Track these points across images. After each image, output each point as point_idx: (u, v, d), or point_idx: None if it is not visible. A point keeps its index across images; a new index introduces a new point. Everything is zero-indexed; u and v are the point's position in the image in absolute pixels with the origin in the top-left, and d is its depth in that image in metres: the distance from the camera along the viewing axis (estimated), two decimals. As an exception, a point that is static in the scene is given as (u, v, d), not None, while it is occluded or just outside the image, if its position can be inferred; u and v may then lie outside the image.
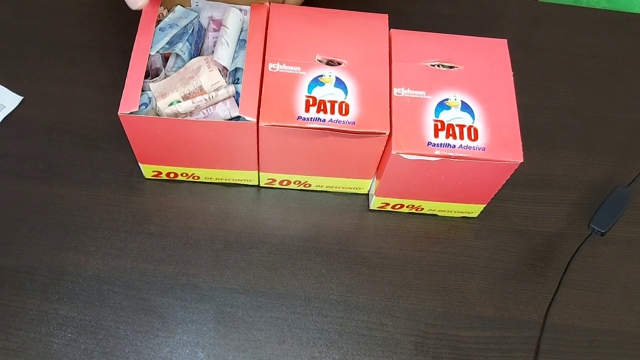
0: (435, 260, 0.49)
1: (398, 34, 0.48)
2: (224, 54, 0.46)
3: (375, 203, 0.50)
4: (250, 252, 0.48)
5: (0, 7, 0.59)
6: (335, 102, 0.44)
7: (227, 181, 0.51)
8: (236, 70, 0.47)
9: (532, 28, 0.62)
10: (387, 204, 0.50)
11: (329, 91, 0.44)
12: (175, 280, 0.47)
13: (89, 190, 0.50)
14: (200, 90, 0.44)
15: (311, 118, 0.43)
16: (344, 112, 0.43)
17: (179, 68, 0.47)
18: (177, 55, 0.47)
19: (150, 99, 0.45)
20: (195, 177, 0.50)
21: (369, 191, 0.51)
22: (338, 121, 0.43)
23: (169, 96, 0.44)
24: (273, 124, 0.43)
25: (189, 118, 0.45)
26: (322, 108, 0.43)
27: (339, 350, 0.45)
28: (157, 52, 0.46)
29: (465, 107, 0.44)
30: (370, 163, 0.47)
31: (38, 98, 0.54)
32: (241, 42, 0.47)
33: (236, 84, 0.46)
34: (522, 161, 0.43)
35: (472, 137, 0.43)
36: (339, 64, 0.45)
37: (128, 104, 0.43)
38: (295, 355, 0.45)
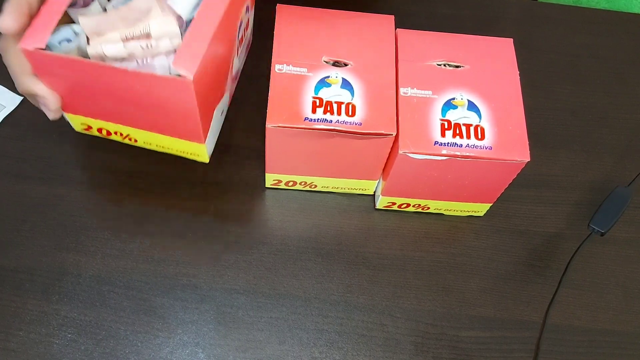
0: (436, 261, 0.49)
1: (404, 34, 0.48)
2: (183, 0, 0.38)
3: (381, 202, 0.50)
4: (251, 253, 0.48)
5: (0, 7, 0.58)
6: (342, 103, 0.44)
7: (170, 152, 0.46)
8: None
9: (532, 28, 0.62)
10: (394, 204, 0.50)
11: (336, 92, 0.44)
12: (175, 280, 0.47)
13: (89, 191, 0.50)
14: (147, 37, 0.36)
15: (318, 119, 0.43)
16: (350, 113, 0.43)
17: (122, 3, 0.38)
18: None
19: (77, 34, 0.37)
20: (132, 140, 0.44)
21: (374, 192, 0.51)
22: (345, 122, 0.43)
23: (107, 36, 0.36)
24: (280, 125, 0.43)
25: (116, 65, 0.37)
26: (328, 109, 0.43)
27: (339, 350, 0.45)
28: None
29: (471, 107, 0.44)
30: (377, 164, 0.47)
31: (38, 98, 0.54)
32: None
33: None
34: (529, 160, 0.43)
35: (479, 137, 0.43)
36: (346, 65, 0.45)
37: (34, 37, 0.35)
38: (295, 356, 0.45)
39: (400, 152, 0.43)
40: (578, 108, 0.58)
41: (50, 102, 0.38)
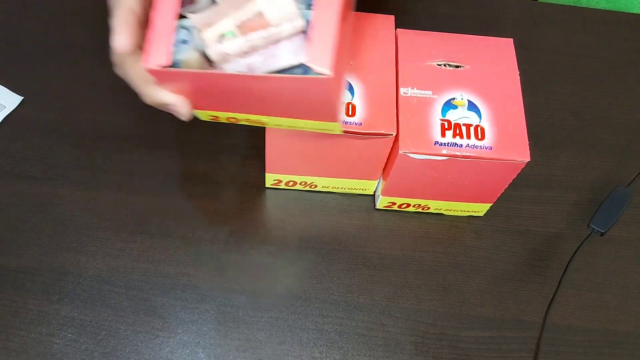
0: (436, 260, 0.49)
1: (404, 34, 0.48)
2: None
3: (381, 202, 0.50)
4: (251, 253, 0.48)
5: (0, 7, 0.59)
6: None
7: (301, 128, 0.41)
8: None
9: (532, 28, 0.62)
10: (394, 204, 0.50)
11: None
12: (175, 280, 0.47)
13: (89, 191, 0.50)
14: (261, 18, 0.32)
15: None
16: (350, 113, 0.43)
17: None
18: None
19: (188, 30, 0.34)
20: (261, 123, 0.40)
21: (374, 192, 0.51)
22: (345, 122, 0.43)
23: (218, 25, 0.32)
24: None
25: (241, 61, 0.34)
26: None
27: (339, 350, 0.45)
28: None
29: (471, 107, 0.44)
30: (377, 164, 0.47)
31: (38, 98, 0.54)
32: None
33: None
34: (529, 160, 0.43)
35: (479, 137, 0.43)
36: None
37: (155, 53, 0.32)
38: (295, 356, 0.45)
39: (400, 152, 0.43)
40: (578, 108, 0.58)
41: (181, 108, 0.36)
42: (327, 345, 0.46)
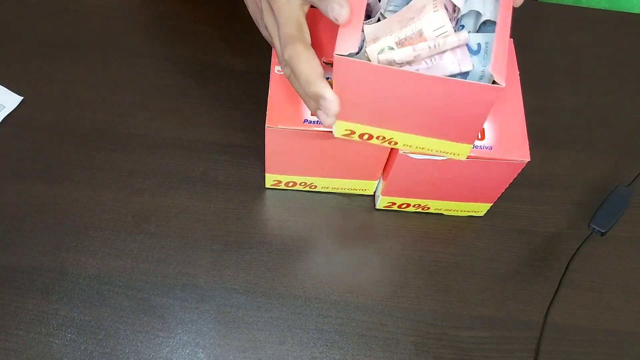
0: (436, 260, 0.49)
1: None
2: None
3: (381, 202, 0.50)
4: (251, 253, 0.48)
5: (0, 7, 0.59)
6: None
7: (427, 152, 0.43)
8: (464, 15, 0.39)
9: (532, 28, 0.62)
10: (394, 203, 0.50)
11: None
12: (175, 280, 0.47)
13: (89, 190, 0.50)
14: (420, 36, 0.36)
15: (317, 121, 0.43)
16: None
17: (397, 7, 0.38)
18: None
19: (362, 43, 0.38)
20: (392, 142, 0.43)
21: (374, 192, 0.51)
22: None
23: (381, 41, 0.36)
24: (279, 126, 0.43)
25: (406, 68, 0.37)
26: None
27: (339, 350, 0.45)
28: None
29: None
30: (377, 165, 0.47)
31: (38, 98, 0.54)
32: None
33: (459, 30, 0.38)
34: (530, 160, 0.43)
35: (479, 136, 0.43)
36: None
37: (346, 44, 0.35)
38: (295, 356, 0.45)
39: (400, 152, 0.43)
40: (578, 108, 0.58)
41: (334, 107, 0.37)
42: (327, 345, 0.46)
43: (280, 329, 0.46)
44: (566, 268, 0.46)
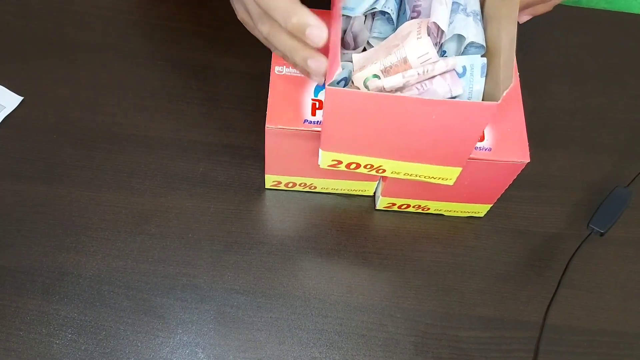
0: (435, 261, 0.49)
1: None
2: (443, 15, 0.37)
3: (381, 203, 0.50)
4: (251, 253, 0.48)
5: (0, 7, 0.59)
6: None
7: (415, 179, 0.44)
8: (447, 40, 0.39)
9: (532, 28, 0.62)
10: (394, 204, 0.50)
11: None
12: (175, 280, 0.47)
13: (89, 191, 0.50)
14: (404, 63, 0.36)
15: (317, 121, 0.43)
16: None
17: (381, 34, 0.38)
18: (383, 13, 0.38)
19: (350, 72, 0.38)
20: (380, 171, 0.43)
21: (374, 192, 0.51)
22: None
23: (367, 69, 0.36)
24: (279, 127, 0.43)
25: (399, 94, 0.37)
26: None
27: (339, 350, 0.45)
28: (363, 13, 0.37)
29: None
30: None
31: (38, 98, 0.54)
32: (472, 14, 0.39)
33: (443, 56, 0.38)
34: (529, 161, 0.43)
35: (479, 138, 0.43)
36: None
37: (331, 72, 0.35)
38: (295, 356, 0.45)
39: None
40: (577, 108, 0.58)
41: (323, 33, 0.34)
42: (327, 345, 0.46)
43: (280, 329, 0.46)
44: (565, 268, 0.46)
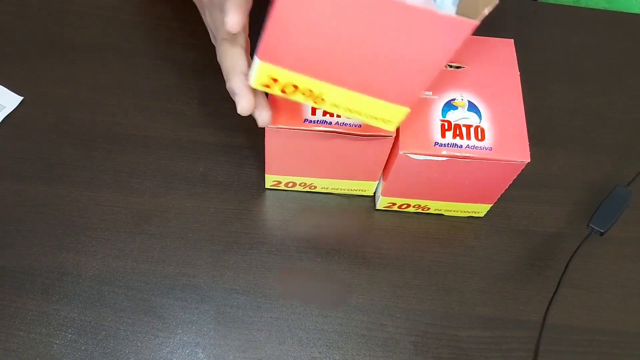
0: (435, 260, 0.49)
1: None
2: None
3: (381, 203, 0.50)
4: (251, 253, 0.49)
5: (0, 7, 0.59)
6: None
7: (359, 116, 0.40)
8: None
9: (532, 28, 0.62)
10: (394, 204, 0.50)
11: None
12: (175, 280, 0.47)
13: (89, 191, 0.50)
14: None
15: (318, 121, 0.43)
16: (480, 138, 0.43)
17: None
18: None
19: None
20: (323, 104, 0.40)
21: (375, 192, 0.51)
22: (344, 124, 0.43)
23: None
24: (280, 126, 0.43)
25: None
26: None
27: (339, 350, 0.45)
28: None
29: (472, 107, 0.44)
30: (377, 165, 0.47)
31: (38, 98, 0.54)
32: None
33: None
34: (529, 161, 0.43)
35: (479, 137, 0.43)
36: None
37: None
38: (295, 356, 0.45)
39: (400, 152, 0.43)
40: (577, 108, 0.58)
41: (244, 106, 0.39)
42: (327, 345, 0.46)
43: (280, 329, 0.46)
44: (565, 268, 0.46)
